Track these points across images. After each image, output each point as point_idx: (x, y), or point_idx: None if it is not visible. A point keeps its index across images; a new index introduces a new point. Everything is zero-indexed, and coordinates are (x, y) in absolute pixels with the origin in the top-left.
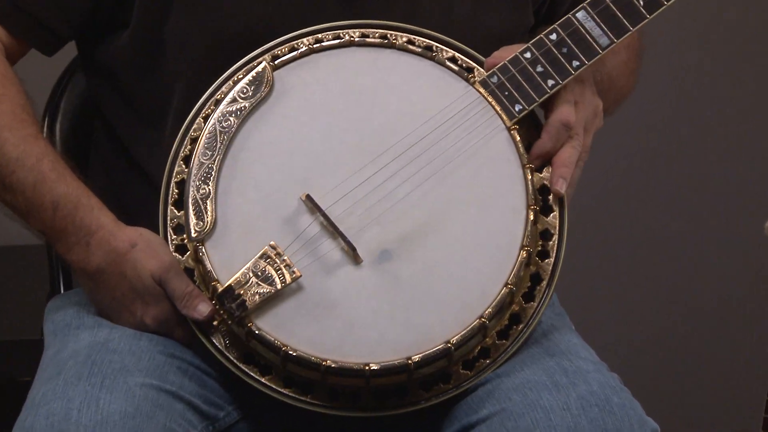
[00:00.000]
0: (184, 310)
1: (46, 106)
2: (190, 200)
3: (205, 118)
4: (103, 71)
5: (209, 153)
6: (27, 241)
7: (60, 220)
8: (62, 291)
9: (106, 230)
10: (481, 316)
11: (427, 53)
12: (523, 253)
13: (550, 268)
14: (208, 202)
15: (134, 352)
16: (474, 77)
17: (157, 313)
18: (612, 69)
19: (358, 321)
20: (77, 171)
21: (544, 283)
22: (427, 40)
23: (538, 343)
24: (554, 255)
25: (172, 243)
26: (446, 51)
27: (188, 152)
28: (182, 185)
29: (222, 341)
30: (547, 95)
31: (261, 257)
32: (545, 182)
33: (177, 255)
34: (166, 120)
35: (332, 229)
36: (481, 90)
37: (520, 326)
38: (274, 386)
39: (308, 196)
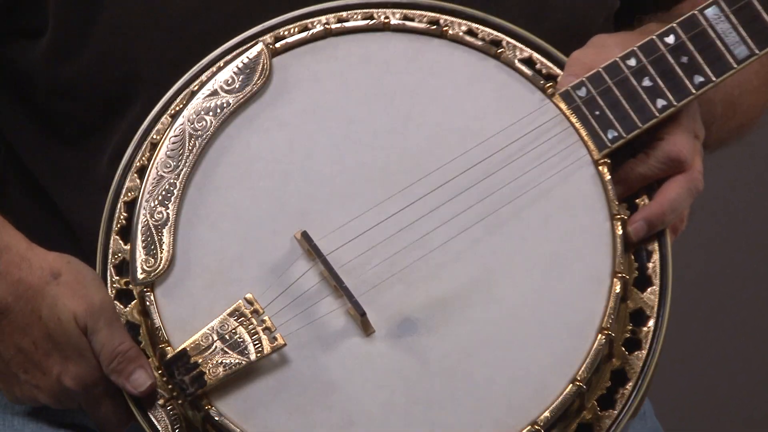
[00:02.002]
0: (112, 376)
1: None
2: (139, 227)
3: (174, 116)
4: (10, 86)
5: (172, 164)
6: None
7: None
8: None
9: (13, 253)
10: (535, 423)
11: (492, 49)
12: (602, 338)
13: (641, 364)
14: (164, 231)
15: None
16: (554, 88)
17: (80, 372)
18: (733, 89)
19: (361, 417)
20: None
21: (630, 385)
22: (495, 32)
23: None
24: (648, 346)
25: (112, 287)
26: (520, 49)
27: (146, 162)
28: (133, 207)
29: (169, 426)
30: (655, 120)
31: (231, 314)
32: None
33: (118, 304)
34: (104, 141)
35: (335, 284)
36: (563, 106)
37: None
38: None
39: (305, 235)
